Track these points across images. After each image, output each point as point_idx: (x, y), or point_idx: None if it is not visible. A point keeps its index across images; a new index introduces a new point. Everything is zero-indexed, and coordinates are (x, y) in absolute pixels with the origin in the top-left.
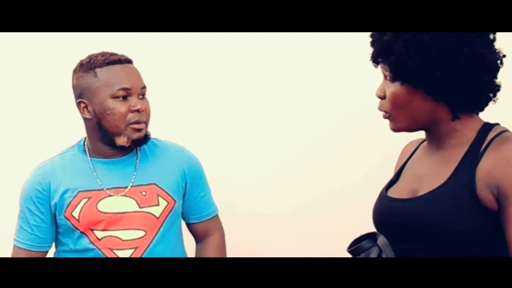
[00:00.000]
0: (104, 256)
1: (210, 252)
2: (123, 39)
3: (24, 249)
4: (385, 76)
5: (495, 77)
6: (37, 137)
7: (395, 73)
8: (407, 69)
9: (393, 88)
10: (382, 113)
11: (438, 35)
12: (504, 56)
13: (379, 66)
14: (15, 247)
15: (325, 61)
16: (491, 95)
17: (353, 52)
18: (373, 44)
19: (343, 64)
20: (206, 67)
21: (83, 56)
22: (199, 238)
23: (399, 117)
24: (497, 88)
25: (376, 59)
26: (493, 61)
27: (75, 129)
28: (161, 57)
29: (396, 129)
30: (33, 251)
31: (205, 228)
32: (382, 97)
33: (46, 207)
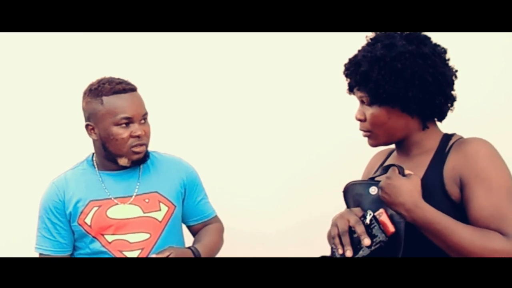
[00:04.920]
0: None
1: (209, 229)
2: (123, 39)
3: (49, 255)
4: (362, 101)
5: (453, 89)
6: (48, 147)
7: (374, 98)
8: (384, 93)
9: (372, 110)
10: (362, 132)
11: (407, 60)
12: (456, 71)
13: (354, 94)
14: (41, 255)
15: (328, 70)
16: (449, 105)
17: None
18: (349, 75)
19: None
20: (208, 85)
21: (86, 56)
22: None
23: (379, 134)
24: (454, 99)
25: (353, 88)
26: (451, 76)
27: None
28: (160, 66)
29: (375, 144)
30: (58, 256)
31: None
32: (363, 120)
33: (63, 216)
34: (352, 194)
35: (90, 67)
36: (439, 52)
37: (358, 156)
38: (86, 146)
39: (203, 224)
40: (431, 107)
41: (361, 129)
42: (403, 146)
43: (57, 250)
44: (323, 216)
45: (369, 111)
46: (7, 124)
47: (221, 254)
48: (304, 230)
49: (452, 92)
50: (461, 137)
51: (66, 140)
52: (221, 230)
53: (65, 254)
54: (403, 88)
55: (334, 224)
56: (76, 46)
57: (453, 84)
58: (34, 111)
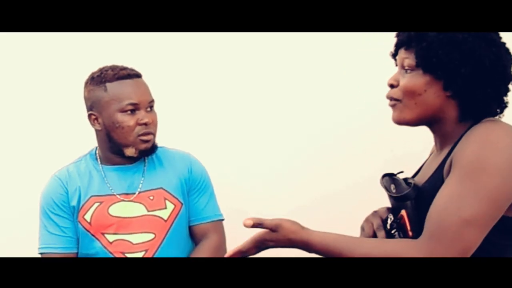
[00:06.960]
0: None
1: (201, 251)
2: (123, 39)
3: (57, 253)
4: (402, 66)
5: (506, 94)
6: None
7: (422, 60)
8: (435, 57)
9: (412, 76)
10: (388, 101)
11: (470, 35)
12: None
13: (397, 57)
14: (46, 254)
15: (328, 65)
16: (498, 110)
17: (359, 54)
18: (401, 32)
19: (347, 67)
20: (212, 75)
21: (89, 57)
22: (196, 242)
23: (408, 106)
24: (505, 104)
25: (399, 47)
26: (510, 79)
27: (87, 136)
28: (165, 63)
29: (400, 119)
30: (69, 253)
31: (203, 232)
32: (395, 86)
33: (68, 208)
34: (384, 186)
35: (92, 67)
36: (507, 52)
37: (362, 143)
38: (88, 144)
39: (203, 226)
40: (477, 96)
41: (389, 96)
42: (436, 137)
43: (67, 246)
44: (331, 196)
45: (407, 77)
46: (7, 121)
47: (231, 238)
48: (313, 214)
49: (505, 97)
50: (487, 120)
51: (67, 139)
52: (216, 248)
53: (73, 251)
54: (457, 61)
55: (362, 228)
56: (79, 45)
57: (507, 89)
58: (36, 109)
